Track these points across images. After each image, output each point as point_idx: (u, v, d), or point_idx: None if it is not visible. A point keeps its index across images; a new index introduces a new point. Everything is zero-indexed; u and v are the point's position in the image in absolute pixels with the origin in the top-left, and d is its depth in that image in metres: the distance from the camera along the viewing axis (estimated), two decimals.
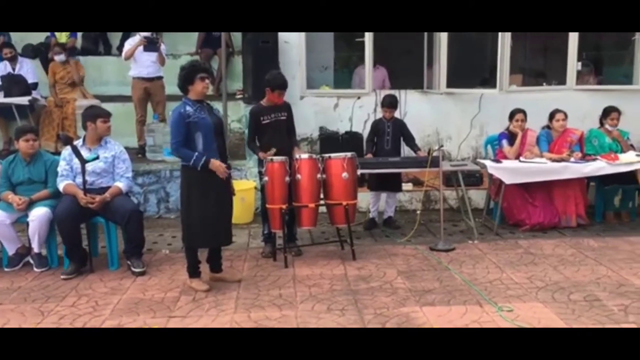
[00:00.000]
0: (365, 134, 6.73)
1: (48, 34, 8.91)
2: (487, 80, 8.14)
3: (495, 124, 7.18)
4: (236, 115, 7.93)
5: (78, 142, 5.15)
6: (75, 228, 5.00)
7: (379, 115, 6.68)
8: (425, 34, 8.07)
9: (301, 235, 5.88)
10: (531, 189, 6.27)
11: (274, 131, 5.33)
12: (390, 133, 6.29)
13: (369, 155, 6.24)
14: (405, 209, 7.18)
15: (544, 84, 8.41)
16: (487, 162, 6.24)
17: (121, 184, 5.17)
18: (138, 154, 7.54)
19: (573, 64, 7.85)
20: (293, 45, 7.49)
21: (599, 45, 9.70)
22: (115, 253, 5.20)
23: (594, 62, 9.00)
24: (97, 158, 5.05)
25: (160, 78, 7.57)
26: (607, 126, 6.63)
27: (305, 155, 5.32)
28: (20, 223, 5.27)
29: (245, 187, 6.66)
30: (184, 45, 9.07)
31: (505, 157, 6.37)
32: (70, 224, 4.94)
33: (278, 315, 4.11)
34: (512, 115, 6.47)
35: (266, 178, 5.18)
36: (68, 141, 5.11)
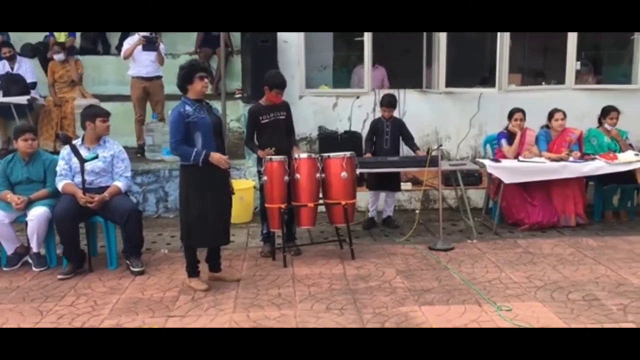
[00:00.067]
0: (364, 134, 6.73)
1: (47, 33, 8.90)
2: (486, 79, 8.16)
3: (494, 123, 7.19)
4: (235, 115, 7.94)
5: (77, 142, 5.15)
6: (74, 227, 5.00)
7: (378, 114, 6.68)
8: (425, 33, 8.08)
9: (300, 234, 5.89)
10: (530, 188, 6.27)
11: (272, 130, 5.33)
12: (389, 132, 6.29)
13: (368, 155, 6.24)
14: (404, 208, 7.18)
15: (543, 83, 8.43)
16: (486, 162, 6.25)
17: (120, 184, 5.16)
18: (137, 153, 7.53)
19: (572, 64, 7.87)
20: (292, 45, 7.49)
21: (598, 45, 9.72)
22: (114, 252, 5.20)
23: (593, 62, 9.02)
24: (96, 157, 5.05)
25: (159, 77, 7.57)
26: (606, 125, 6.63)
27: (304, 155, 5.32)
28: (19, 222, 5.27)
29: (244, 186, 6.66)
30: (183, 44, 9.08)
31: (504, 157, 6.37)
32: (69, 224, 4.94)
33: (277, 315, 4.11)
34: (511, 115, 6.47)
35: (265, 177, 5.18)
36: (67, 140, 5.11)
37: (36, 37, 8.96)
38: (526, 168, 6.12)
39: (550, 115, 6.52)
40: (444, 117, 7.78)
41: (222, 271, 4.87)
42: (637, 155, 6.33)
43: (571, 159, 6.22)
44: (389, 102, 6.30)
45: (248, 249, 5.72)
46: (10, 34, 8.66)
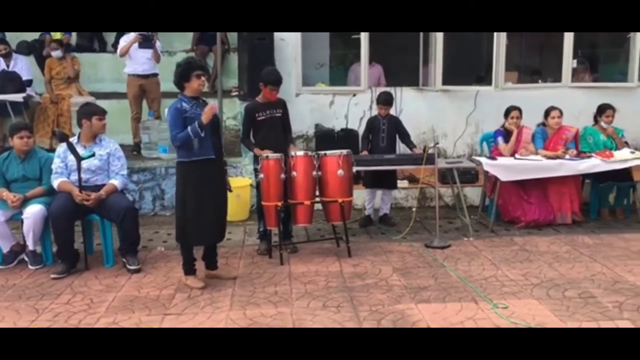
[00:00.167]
0: (361, 132, 6.73)
1: None
2: (483, 77, 8.15)
3: (490, 121, 7.20)
4: (232, 113, 7.93)
5: (73, 140, 5.13)
6: (69, 225, 4.99)
7: (375, 112, 6.68)
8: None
9: (297, 232, 5.88)
10: (526, 186, 6.29)
11: (269, 128, 5.33)
12: (386, 130, 6.29)
13: (365, 153, 6.25)
14: (400, 206, 7.18)
15: (540, 81, 8.43)
16: (483, 160, 6.26)
17: (116, 182, 5.15)
18: (133, 151, 7.52)
19: (568, 62, 7.87)
20: (289, 43, 7.48)
21: (594, 43, 9.72)
22: (111, 250, 5.19)
23: (590, 60, 9.02)
24: (93, 155, 5.04)
25: (155, 75, 7.55)
26: (601, 123, 6.65)
27: (300, 153, 5.32)
28: (15, 220, 5.25)
29: (240, 184, 6.64)
30: (179, 42, 9.06)
31: (501, 155, 6.38)
32: (65, 221, 4.93)
33: (274, 313, 4.11)
34: (507, 113, 6.48)
35: (261, 175, 5.18)
36: (63, 138, 5.10)
37: (32, 35, 8.92)
38: (522, 166, 6.13)
39: (547, 113, 6.53)
40: (441, 115, 7.79)
41: (219, 269, 4.87)
42: (633, 153, 6.35)
43: (567, 156, 6.23)
44: (386, 100, 6.30)
45: (244, 246, 5.72)
46: None
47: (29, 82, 7.94)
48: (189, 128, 4.35)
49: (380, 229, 6.37)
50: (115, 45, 8.60)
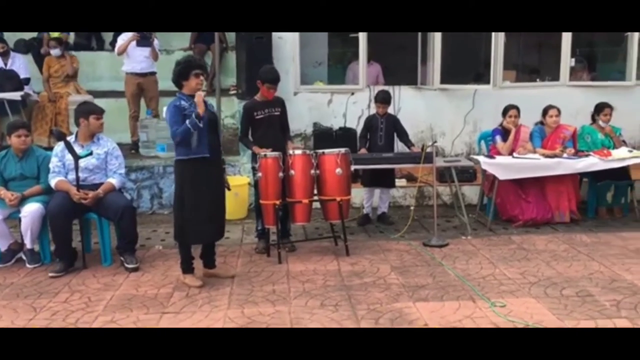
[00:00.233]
0: (359, 130, 6.73)
1: None
2: (481, 76, 8.15)
3: (488, 120, 7.19)
4: (230, 111, 7.92)
5: (70, 138, 5.12)
6: (67, 224, 4.98)
7: (373, 111, 6.68)
8: None
9: (295, 231, 5.89)
10: (524, 184, 6.30)
11: (267, 126, 5.33)
12: (384, 129, 6.29)
13: (363, 151, 6.25)
14: (398, 204, 7.19)
15: (538, 80, 8.43)
16: (481, 158, 6.26)
17: (114, 180, 5.15)
18: (131, 149, 7.52)
19: (567, 60, 7.87)
20: (287, 41, 7.47)
21: (592, 42, 9.73)
22: (108, 249, 5.19)
23: (588, 58, 9.03)
24: (90, 154, 5.03)
25: (153, 73, 7.54)
26: (599, 122, 6.66)
27: (298, 151, 5.31)
28: (13, 219, 5.24)
29: (238, 182, 6.64)
30: (177, 40, 9.06)
31: (499, 153, 6.38)
32: (63, 220, 4.93)
33: (271, 311, 4.11)
34: (505, 112, 6.48)
35: (260, 174, 5.18)
36: (61, 137, 5.09)
37: (30, 33, 8.90)
38: (520, 164, 6.13)
39: (545, 112, 6.53)
40: (439, 114, 7.78)
41: (217, 267, 4.87)
42: (630, 151, 6.36)
43: (565, 155, 6.24)
44: (383, 99, 6.30)
45: (243, 245, 5.72)
46: None
47: (27, 81, 7.93)
48: (187, 121, 4.34)
49: (379, 227, 6.37)
50: (113, 43, 8.61)
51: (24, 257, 5.20)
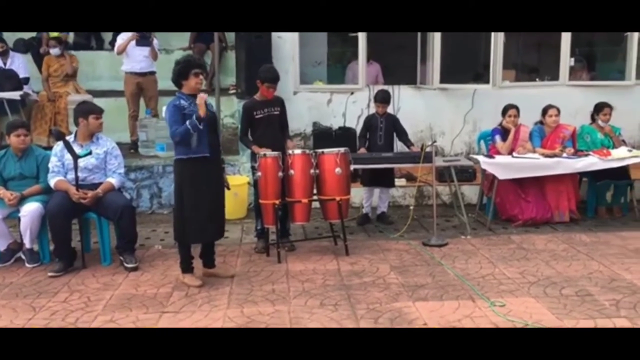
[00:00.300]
0: (359, 130, 6.73)
1: None
2: (480, 75, 8.14)
3: (488, 119, 7.19)
4: (229, 111, 7.91)
5: (70, 138, 5.12)
6: (66, 224, 4.98)
7: (373, 110, 6.67)
8: None
9: (294, 230, 5.88)
10: (524, 184, 6.30)
11: (266, 126, 5.33)
12: (383, 128, 6.29)
13: (362, 151, 6.24)
14: (398, 204, 7.19)
15: (537, 79, 8.43)
16: (480, 158, 6.26)
17: (113, 180, 5.15)
18: (130, 149, 7.51)
19: (566, 60, 7.87)
20: (286, 41, 7.46)
21: (592, 41, 9.72)
22: (108, 249, 5.19)
23: (587, 58, 9.02)
24: (89, 153, 5.03)
25: (152, 73, 7.54)
26: (599, 122, 6.66)
27: (298, 151, 5.32)
28: (12, 218, 5.24)
29: (238, 182, 6.64)
30: (176, 40, 9.05)
31: (498, 153, 6.38)
32: (62, 220, 4.92)
33: (271, 311, 4.11)
34: (505, 111, 6.48)
35: (259, 173, 5.18)
36: (60, 136, 5.09)
37: (29, 33, 8.89)
38: (520, 164, 6.13)
39: (544, 112, 6.53)
40: (438, 113, 7.78)
41: (216, 267, 4.87)
42: (630, 151, 6.36)
43: (565, 155, 6.24)
44: (383, 98, 6.30)
45: (242, 245, 5.72)
46: None
47: (26, 80, 7.93)
48: (187, 122, 4.34)
49: (378, 227, 6.37)
50: (112, 43, 8.60)
51: (23, 257, 5.20)
